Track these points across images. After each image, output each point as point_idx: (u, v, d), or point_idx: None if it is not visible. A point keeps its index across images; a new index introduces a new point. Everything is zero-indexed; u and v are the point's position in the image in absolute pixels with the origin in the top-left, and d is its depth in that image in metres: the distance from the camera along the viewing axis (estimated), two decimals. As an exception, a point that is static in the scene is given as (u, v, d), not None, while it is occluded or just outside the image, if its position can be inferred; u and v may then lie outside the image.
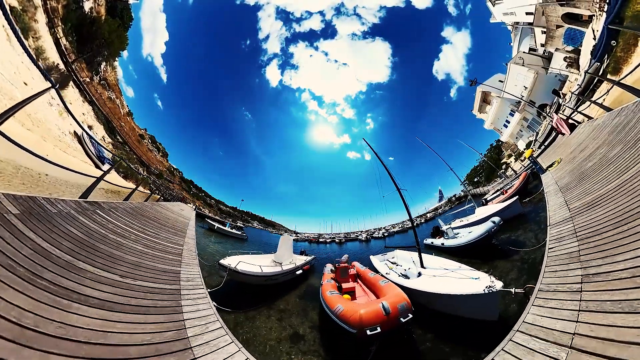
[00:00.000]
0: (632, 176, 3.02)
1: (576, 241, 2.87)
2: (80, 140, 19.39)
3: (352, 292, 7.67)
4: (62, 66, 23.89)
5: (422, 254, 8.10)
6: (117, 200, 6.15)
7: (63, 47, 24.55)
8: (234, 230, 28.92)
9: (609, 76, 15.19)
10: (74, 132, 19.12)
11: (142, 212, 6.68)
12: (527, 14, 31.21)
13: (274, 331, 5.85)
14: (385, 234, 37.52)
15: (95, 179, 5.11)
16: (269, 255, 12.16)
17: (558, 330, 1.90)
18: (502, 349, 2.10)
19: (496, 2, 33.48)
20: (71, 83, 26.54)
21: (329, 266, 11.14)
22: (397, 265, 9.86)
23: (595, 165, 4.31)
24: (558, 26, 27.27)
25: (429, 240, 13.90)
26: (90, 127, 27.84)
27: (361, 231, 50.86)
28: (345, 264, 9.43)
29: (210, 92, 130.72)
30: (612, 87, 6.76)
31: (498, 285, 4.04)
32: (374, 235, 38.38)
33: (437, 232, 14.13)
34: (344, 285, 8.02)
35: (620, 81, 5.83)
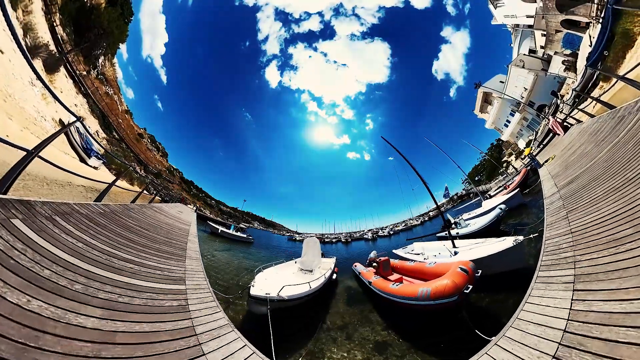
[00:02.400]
0: (594, 163, 5.26)
1: (561, 201, 5.06)
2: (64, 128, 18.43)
3: (400, 283, 7.73)
4: (52, 47, 23.10)
5: (444, 241, 9.69)
6: (82, 202, 4.27)
7: (59, 37, 24.78)
8: (239, 234, 28.71)
9: (600, 83, 17.87)
10: (59, 120, 17.57)
11: (120, 220, 4.90)
12: (527, 17, 33.53)
13: (354, 353, 5.24)
14: (391, 232, 40.12)
15: (28, 151, 3.16)
16: (290, 262, 11.51)
17: (563, 234, 4.03)
18: (544, 254, 3.91)
19: (498, 5, 36.08)
20: (64, 72, 26.51)
21: (359, 265, 11.31)
22: (422, 254, 10.82)
23: (576, 158, 6.58)
24: (557, 31, 29.73)
25: (442, 233, 15.59)
26: (81, 119, 28.38)
27: (364, 230, 53.22)
28: (386, 257, 9.57)
29: (210, 93, 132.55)
30: (591, 102, 9.06)
31: (520, 238, 6.03)
32: (379, 234, 40.91)
33: (449, 224, 16.31)
34: (390, 278, 8.16)
35: (599, 97, 8.13)
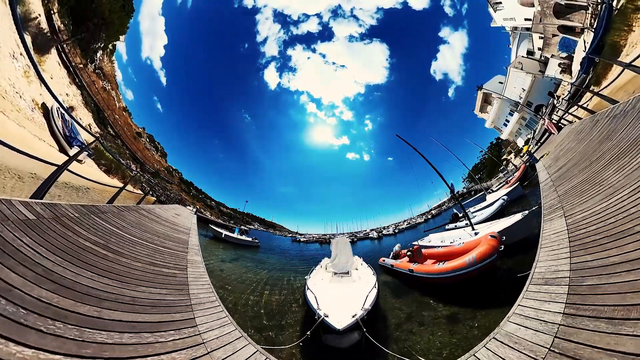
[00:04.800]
0: (574, 155, 7.56)
1: (552, 182, 7.29)
2: (47, 113, 15.56)
3: (442, 263, 8.26)
4: (45, 25, 21.44)
5: (455, 230, 11.53)
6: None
7: (56, 27, 24.04)
8: (243, 237, 26.98)
9: (593, 87, 20.48)
10: (43, 103, 15.90)
11: (68, 234, 3.06)
12: (525, 19, 36.08)
13: (437, 333, 5.45)
14: (396, 231, 42.57)
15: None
16: (317, 269, 10.69)
17: (554, 198, 6.19)
18: (544, 210, 6.05)
19: (497, 8, 38.80)
20: (58, 60, 25.74)
21: (387, 259, 12.24)
22: (442, 242, 11.78)
23: (563, 152, 8.89)
24: (554, 35, 32.44)
25: (451, 225, 17.49)
26: (71, 108, 25.43)
27: (368, 230, 55.44)
28: (418, 246, 10.26)
29: (210, 95, 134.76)
30: (577, 109, 11.40)
31: (527, 212, 8.14)
32: (384, 233, 43.19)
33: (457, 218, 18.52)
34: (427, 263, 8.95)
35: (585, 105, 10.44)
